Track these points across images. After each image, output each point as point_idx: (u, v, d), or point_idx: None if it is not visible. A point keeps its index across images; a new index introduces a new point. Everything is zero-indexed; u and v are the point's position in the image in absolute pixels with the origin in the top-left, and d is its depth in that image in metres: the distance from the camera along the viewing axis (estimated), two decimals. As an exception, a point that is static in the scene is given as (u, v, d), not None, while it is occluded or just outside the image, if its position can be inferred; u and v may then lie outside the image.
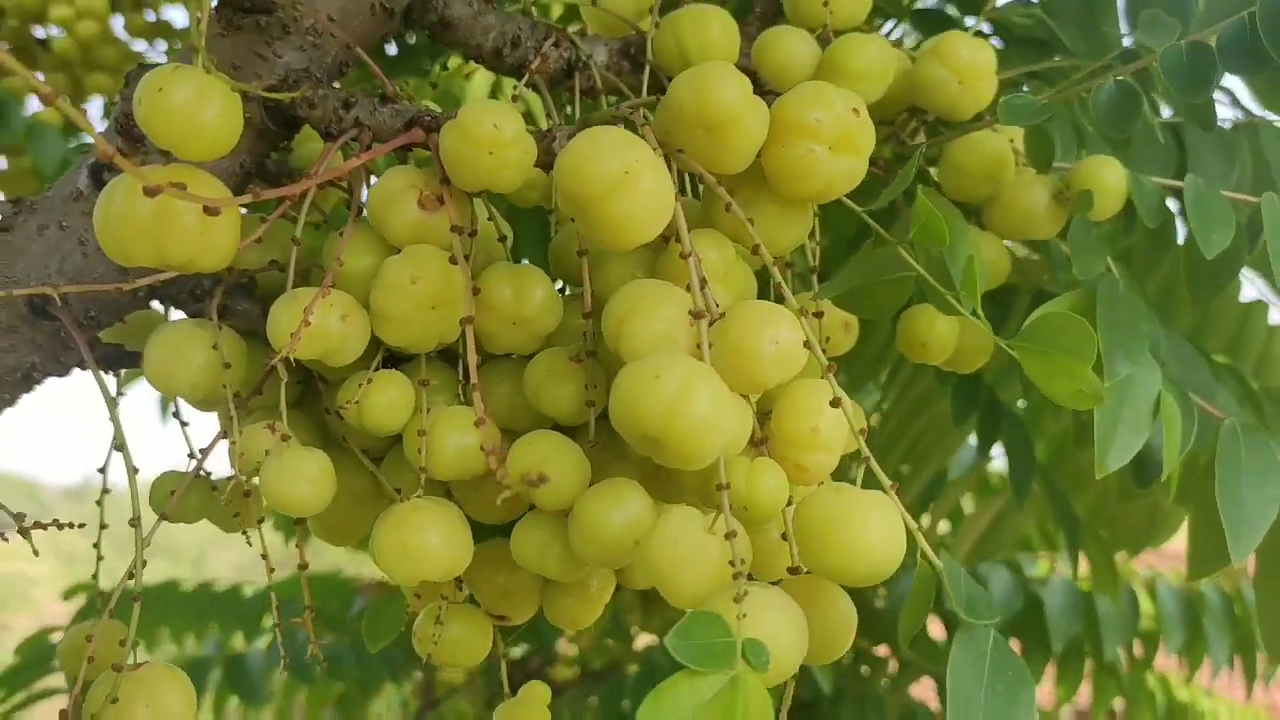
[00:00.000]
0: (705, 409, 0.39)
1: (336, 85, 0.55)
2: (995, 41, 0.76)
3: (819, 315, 0.55)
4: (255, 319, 0.54)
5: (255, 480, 0.51)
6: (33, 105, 1.56)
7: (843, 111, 0.46)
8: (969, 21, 0.75)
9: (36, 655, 1.50)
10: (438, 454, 0.48)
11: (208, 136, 0.41)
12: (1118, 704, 1.63)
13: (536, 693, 0.56)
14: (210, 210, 0.40)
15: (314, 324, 0.45)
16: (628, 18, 0.63)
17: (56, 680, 1.54)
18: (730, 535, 0.40)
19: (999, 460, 0.94)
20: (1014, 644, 1.53)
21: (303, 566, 0.60)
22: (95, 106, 1.67)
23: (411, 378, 0.50)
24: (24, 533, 0.46)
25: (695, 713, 0.35)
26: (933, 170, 0.63)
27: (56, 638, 1.49)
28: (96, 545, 0.58)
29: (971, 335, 0.59)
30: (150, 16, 1.61)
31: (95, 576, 0.60)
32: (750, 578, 0.41)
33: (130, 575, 0.50)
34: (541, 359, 0.50)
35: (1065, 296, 0.55)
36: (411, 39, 0.96)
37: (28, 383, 0.53)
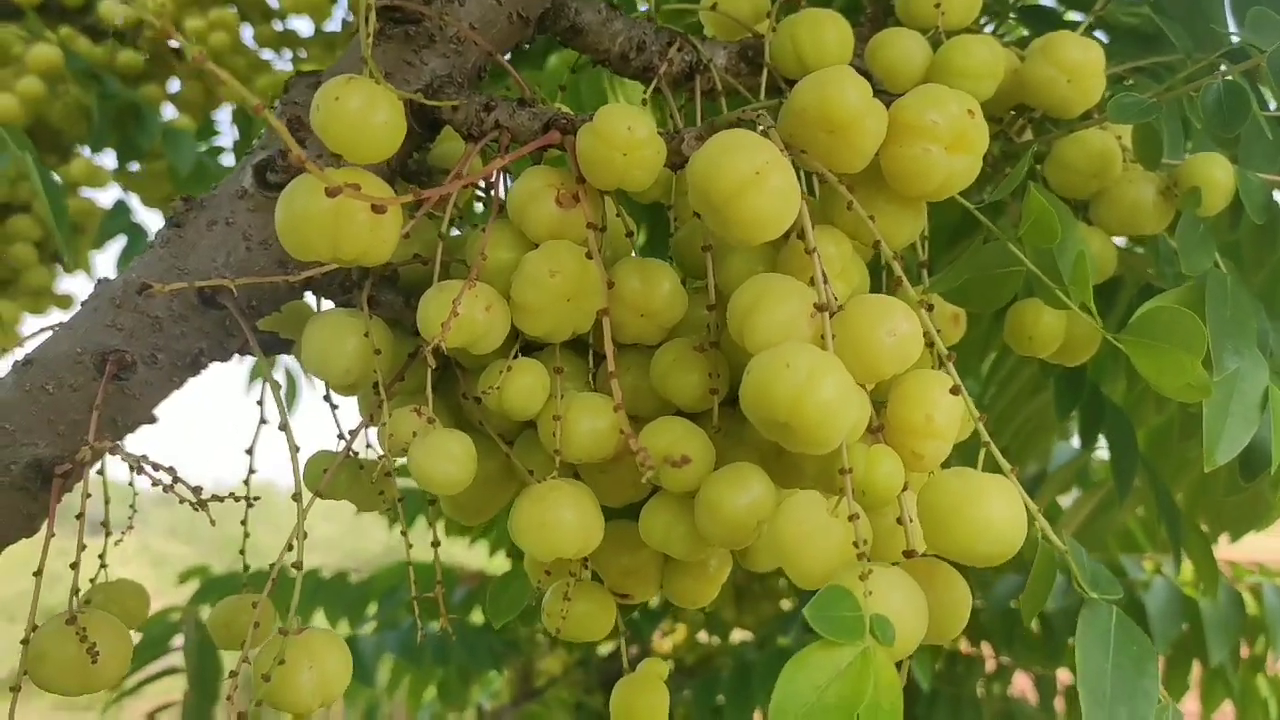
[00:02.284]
0: (832, 395, 0.42)
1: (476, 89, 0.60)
2: (1101, 36, 0.77)
3: (929, 308, 0.57)
4: (399, 309, 0.59)
5: (401, 460, 0.55)
6: (168, 112, 1.65)
7: (958, 112, 0.49)
8: (1076, 17, 0.76)
9: (157, 634, 1.57)
10: (571, 437, 0.52)
11: (376, 140, 0.45)
12: (1227, 708, 1.60)
13: (655, 669, 0.60)
14: (378, 209, 0.44)
15: (461, 314, 0.49)
16: (745, 21, 0.66)
17: (175, 659, 1.60)
18: (854, 517, 0.43)
19: (1102, 451, 0.94)
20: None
21: (435, 544, 0.65)
22: (224, 114, 1.76)
23: (546, 365, 0.54)
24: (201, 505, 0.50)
25: (831, 682, 0.38)
26: (1039, 167, 0.65)
27: (175, 618, 1.55)
28: (243, 541, 0.63)
29: (1078, 328, 0.60)
30: (278, 26, 1.68)
31: (243, 553, 0.65)
32: (869, 559, 0.44)
33: (290, 547, 0.54)
34: (668, 348, 0.53)
35: (1173, 291, 0.57)
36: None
37: (195, 367, 0.59)
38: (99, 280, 0.59)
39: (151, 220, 1.97)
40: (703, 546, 0.51)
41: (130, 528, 0.68)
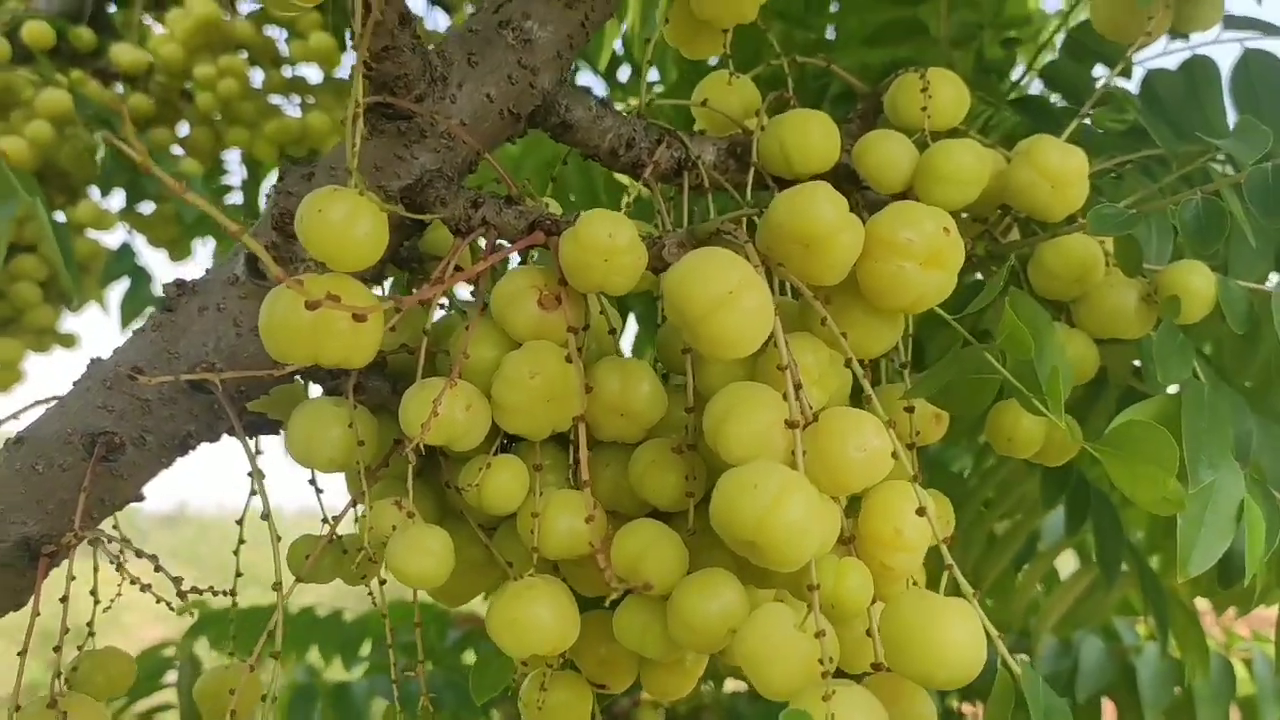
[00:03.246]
0: (798, 516, 0.42)
1: (464, 184, 0.61)
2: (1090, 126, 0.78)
3: (910, 410, 0.58)
4: (385, 395, 0.60)
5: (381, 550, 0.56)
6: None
7: (933, 230, 0.50)
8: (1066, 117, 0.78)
9: (151, 669, 1.57)
10: (548, 535, 0.52)
11: (358, 250, 0.46)
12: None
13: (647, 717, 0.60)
14: (359, 318, 0.45)
15: (442, 414, 0.50)
16: (735, 117, 0.67)
17: (168, 696, 1.60)
18: (820, 634, 0.43)
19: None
20: (1108, 706, 1.51)
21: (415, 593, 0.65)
22: (233, 157, 1.78)
23: (526, 460, 0.54)
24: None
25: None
26: (1021, 271, 0.66)
27: (169, 653, 1.55)
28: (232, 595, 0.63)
29: (1058, 433, 0.61)
30: (287, 73, 1.70)
31: (233, 593, 0.65)
32: (838, 672, 0.44)
33: (270, 635, 0.55)
34: (646, 449, 0.54)
35: (1150, 401, 0.57)
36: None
37: (184, 448, 0.59)
38: (91, 360, 0.60)
39: (156, 262, 1.99)
40: (677, 649, 0.52)
41: (109, 606, 0.68)
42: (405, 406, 0.51)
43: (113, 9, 1.70)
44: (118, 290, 1.67)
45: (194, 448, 0.60)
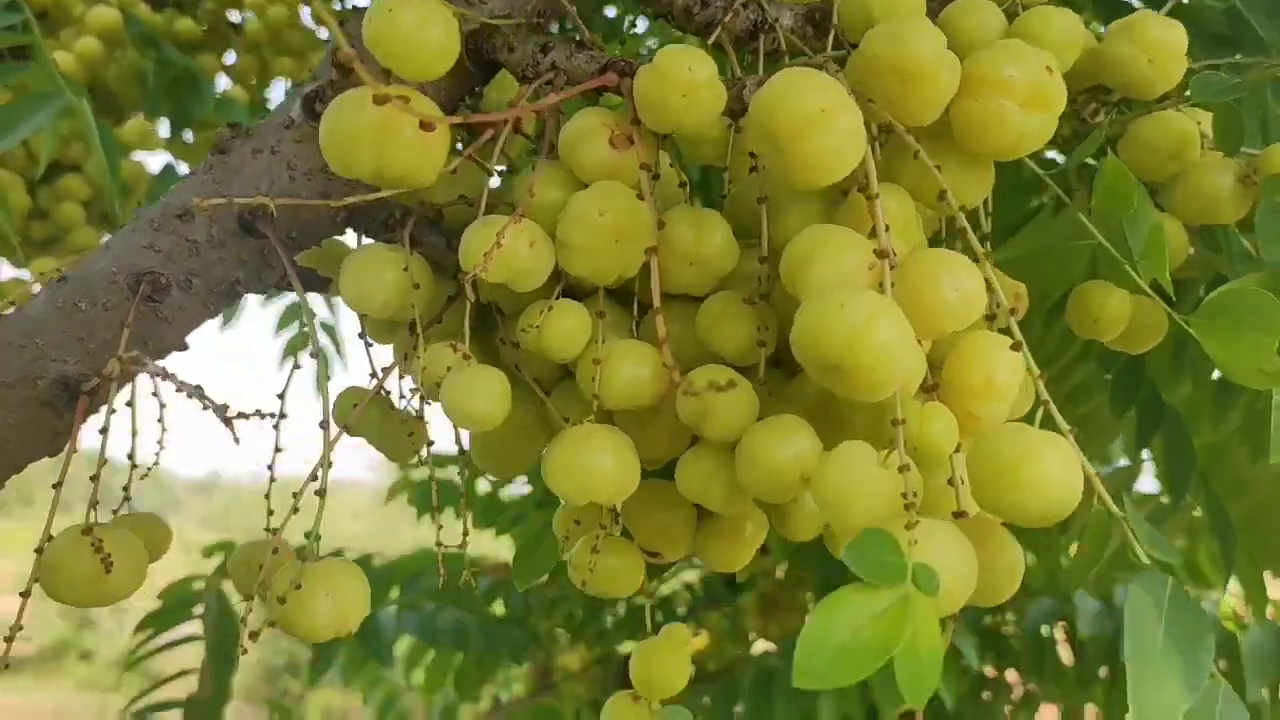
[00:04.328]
0: (888, 337, 0.40)
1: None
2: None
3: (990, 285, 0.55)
4: (441, 252, 0.57)
5: (433, 400, 0.54)
6: (222, 83, 1.65)
7: (1036, 68, 0.47)
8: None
9: (179, 601, 1.57)
10: (611, 383, 0.50)
11: (429, 55, 0.44)
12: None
13: (680, 635, 0.58)
14: (426, 126, 0.42)
15: (505, 247, 0.48)
16: (813, -15, 0.64)
17: (194, 627, 1.59)
18: (904, 468, 0.40)
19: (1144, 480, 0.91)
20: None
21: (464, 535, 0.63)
22: (278, 90, 1.77)
23: (589, 309, 0.52)
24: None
25: (868, 622, 0.36)
26: (1112, 149, 0.62)
27: (198, 586, 1.55)
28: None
29: (1145, 313, 0.58)
30: (336, 6, 1.68)
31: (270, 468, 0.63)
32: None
33: (314, 477, 0.52)
34: (716, 299, 0.51)
35: (1250, 277, 0.54)
36: None
37: (231, 295, 0.57)
38: (139, 206, 0.58)
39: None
40: (740, 500, 0.49)
41: (148, 471, 0.67)
42: (467, 237, 0.49)
43: (166, -69, 1.68)
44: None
45: (240, 296, 0.58)
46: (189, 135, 1.64)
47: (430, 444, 0.58)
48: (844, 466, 0.41)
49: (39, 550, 0.51)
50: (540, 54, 0.54)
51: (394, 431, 0.57)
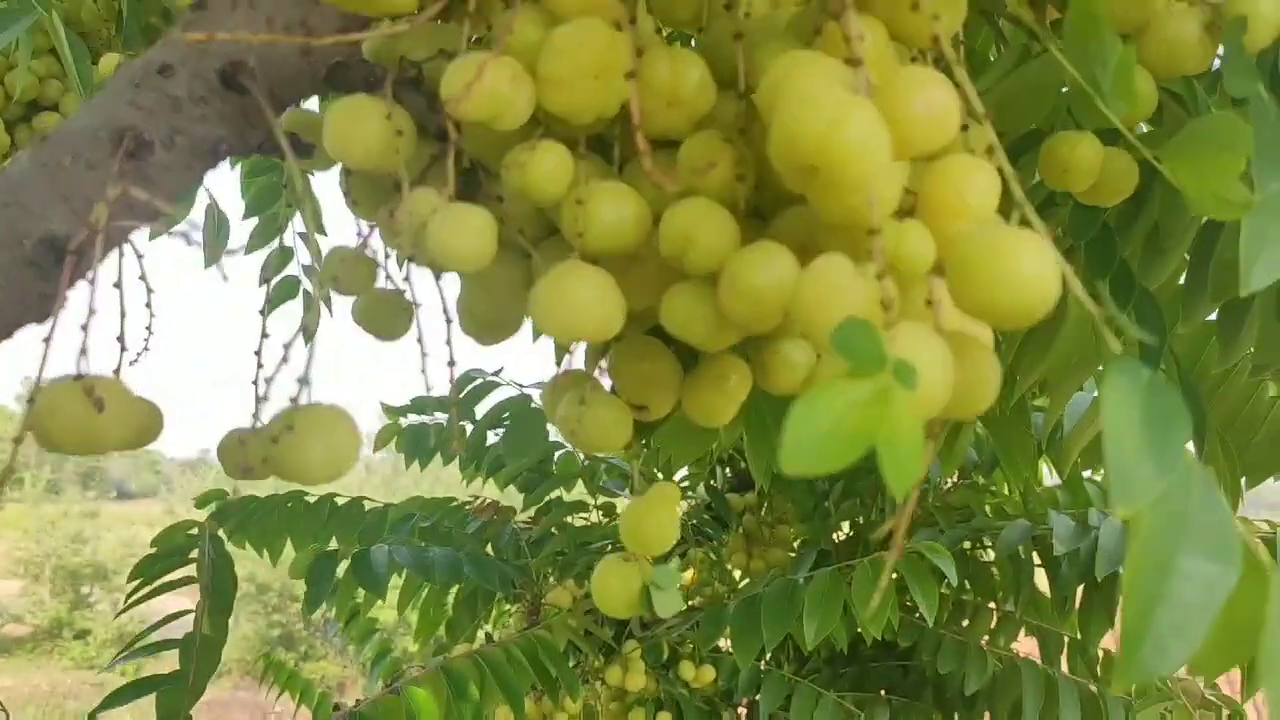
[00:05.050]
0: (862, 130, 0.40)
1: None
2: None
3: (964, 128, 0.56)
4: (422, 112, 0.58)
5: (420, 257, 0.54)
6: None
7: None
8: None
9: (175, 545, 1.57)
10: (594, 223, 0.51)
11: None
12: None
13: (667, 492, 0.59)
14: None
15: (485, 81, 0.48)
16: None
17: (189, 570, 1.60)
18: (881, 275, 0.41)
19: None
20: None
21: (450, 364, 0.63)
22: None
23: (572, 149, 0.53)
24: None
25: (849, 410, 0.37)
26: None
27: (193, 531, 1.55)
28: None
29: (1116, 161, 0.59)
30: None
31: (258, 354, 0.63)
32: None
33: (307, 327, 0.53)
34: (694, 138, 0.52)
35: (1215, 114, 0.55)
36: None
37: (214, 156, 0.58)
38: (119, 63, 0.58)
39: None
40: (723, 332, 0.50)
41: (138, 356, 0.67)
42: (448, 75, 0.49)
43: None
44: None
45: (224, 156, 0.58)
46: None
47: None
48: (821, 276, 0.41)
49: (30, 400, 0.51)
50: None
51: (381, 301, 0.58)
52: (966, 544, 1.74)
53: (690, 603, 1.92)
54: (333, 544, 1.94)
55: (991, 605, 1.75)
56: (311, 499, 1.93)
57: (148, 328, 0.69)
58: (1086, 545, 1.47)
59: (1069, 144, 0.59)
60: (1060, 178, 0.60)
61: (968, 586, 1.73)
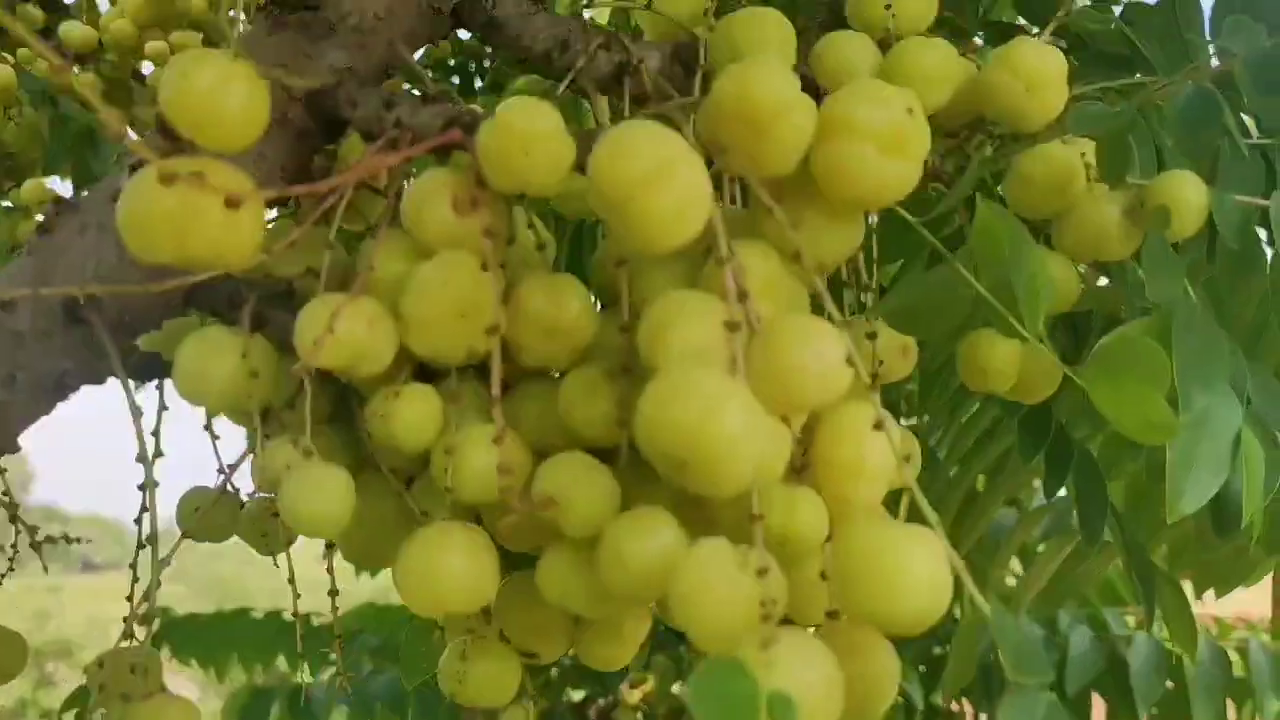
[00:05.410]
0: (735, 426, 0.36)
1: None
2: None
3: (872, 336, 0.52)
4: (290, 329, 0.53)
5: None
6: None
7: (896, 110, 0.44)
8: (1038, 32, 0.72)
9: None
10: (463, 473, 0.46)
11: (231, 123, 0.40)
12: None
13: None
14: (231, 202, 0.38)
15: (340, 331, 0.44)
16: (682, 21, 0.61)
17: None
18: (763, 572, 0.37)
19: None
20: (1099, 704, 1.44)
21: (333, 593, 0.59)
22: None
23: (441, 393, 0.48)
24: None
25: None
26: (996, 188, 0.60)
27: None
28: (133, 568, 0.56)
29: (1037, 362, 0.55)
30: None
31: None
32: (787, 620, 0.38)
33: (145, 599, 0.48)
34: (575, 374, 0.47)
35: (1138, 321, 0.51)
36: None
37: (61, 390, 0.53)
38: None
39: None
40: (607, 602, 0.45)
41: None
42: (300, 323, 0.45)
43: (61, -15, 1.64)
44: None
45: (74, 389, 0.53)
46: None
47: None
48: (696, 571, 0.37)
49: None
50: (385, 109, 0.51)
51: (249, 532, 0.53)
52: (937, 649, 1.68)
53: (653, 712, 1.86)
54: (281, 662, 1.87)
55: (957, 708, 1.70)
56: (258, 615, 1.87)
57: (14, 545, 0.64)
58: (1055, 658, 1.42)
59: (986, 344, 0.55)
60: (980, 379, 0.56)
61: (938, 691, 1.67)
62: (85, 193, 0.54)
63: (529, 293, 0.47)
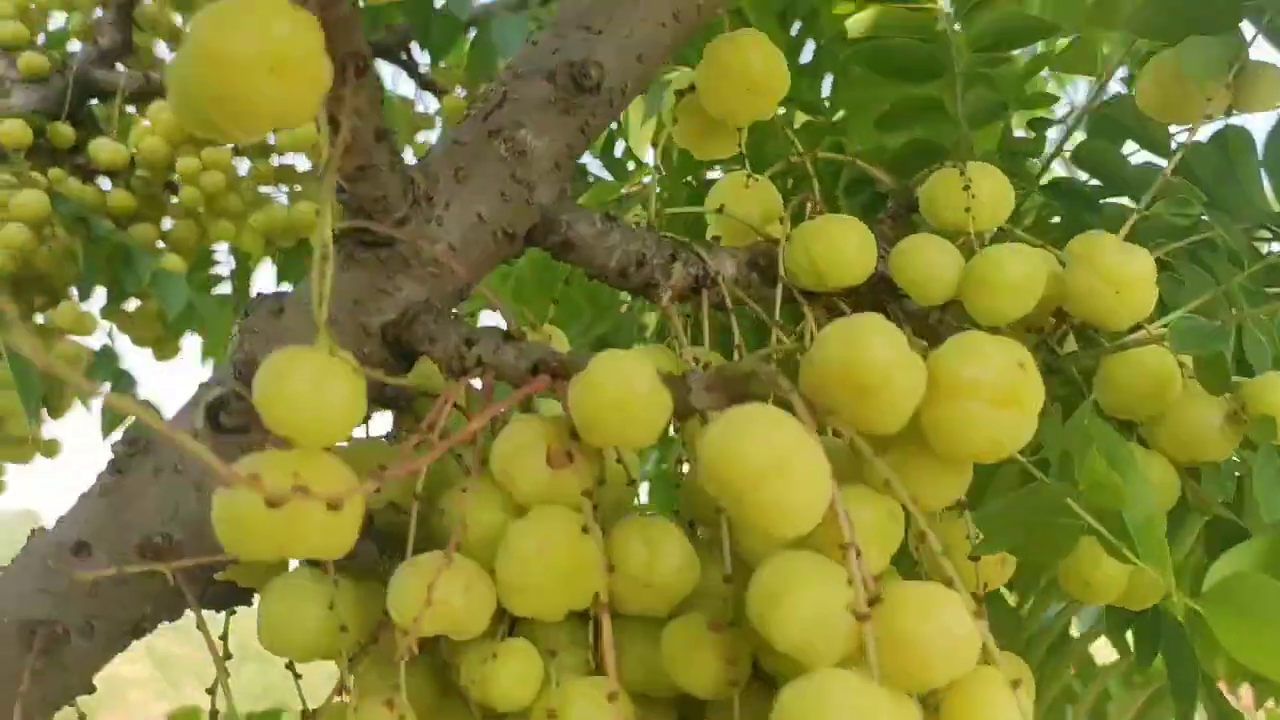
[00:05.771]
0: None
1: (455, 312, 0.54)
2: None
3: (976, 559, 0.51)
4: (372, 559, 0.52)
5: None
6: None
7: (1006, 367, 0.42)
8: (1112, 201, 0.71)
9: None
10: (570, 734, 0.44)
11: (330, 424, 0.39)
12: None
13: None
14: (334, 506, 0.37)
15: (437, 600, 0.42)
16: (755, 224, 0.60)
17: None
18: None
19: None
20: None
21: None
22: (221, 251, 1.72)
23: (539, 644, 0.47)
24: None
25: None
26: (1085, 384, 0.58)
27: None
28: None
29: (1144, 576, 0.53)
30: (275, 161, 1.65)
31: None
32: None
33: None
34: (678, 627, 0.46)
35: (1254, 543, 0.49)
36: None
37: (137, 633, 0.52)
38: (33, 531, 0.52)
39: (139, 362, 1.92)
40: None
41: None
42: (394, 592, 0.44)
43: (93, 102, 1.65)
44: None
45: (150, 630, 0.52)
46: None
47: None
48: None
49: None
50: (465, 346, 0.50)
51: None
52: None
53: None
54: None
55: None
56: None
57: None
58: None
59: (1090, 559, 0.53)
60: (1081, 591, 0.54)
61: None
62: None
63: (625, 544, 0.46)
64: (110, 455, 0.52)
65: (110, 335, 1.56)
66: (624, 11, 0.53)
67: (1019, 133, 0.84)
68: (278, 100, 0.33)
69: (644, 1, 0.53)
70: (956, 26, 0.81)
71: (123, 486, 0.51)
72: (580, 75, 0.52)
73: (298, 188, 1.67)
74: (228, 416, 0.50)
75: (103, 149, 1.53)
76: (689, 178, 1.04)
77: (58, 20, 1.69)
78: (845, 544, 0.39)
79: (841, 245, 0.55)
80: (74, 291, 1.54)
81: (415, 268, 0.51)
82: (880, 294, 0.59)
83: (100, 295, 1.56)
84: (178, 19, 1.73)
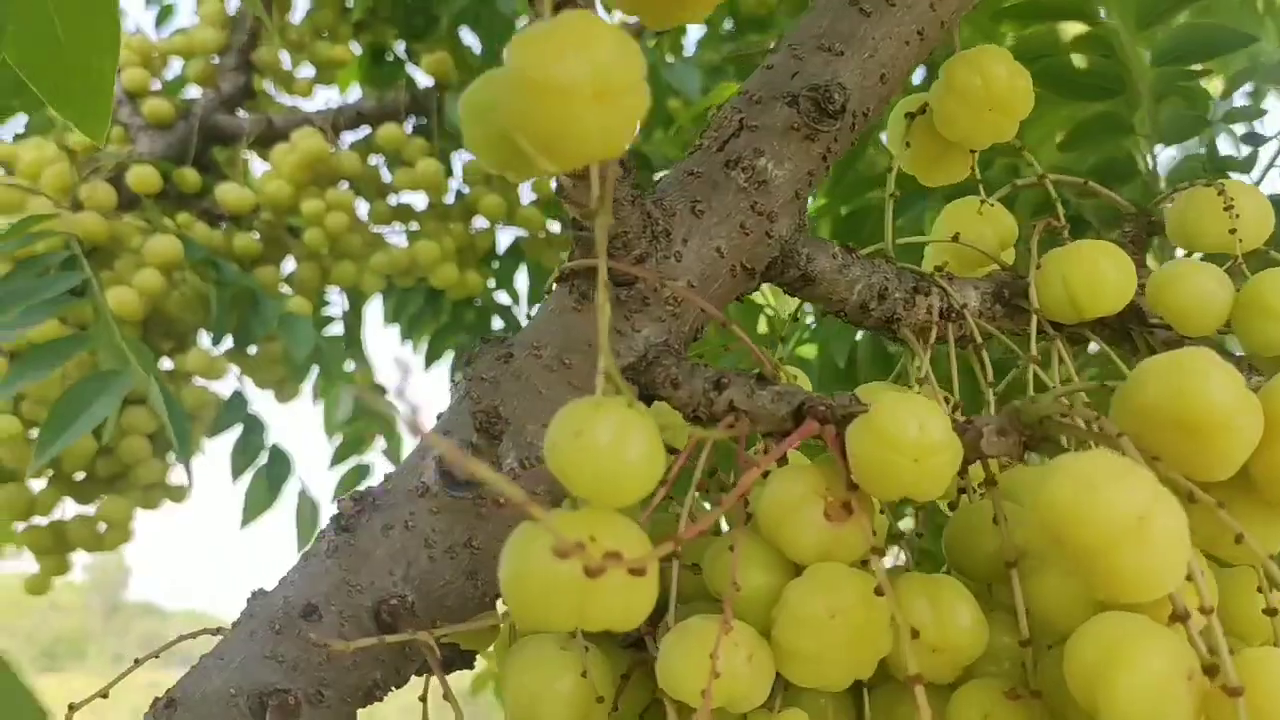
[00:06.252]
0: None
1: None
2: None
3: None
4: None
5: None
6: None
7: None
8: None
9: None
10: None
11: (632, 481, 0.35)
12: None
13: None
14: (637, 571, 0.34)
15: (720, 669, 0.39)
16: (991, 252, 0.56)
17: None
18: None
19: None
20: None
21: None
22: (332, 290, 1.72)
23: (811, 713, 0.43)
24: None
25: None
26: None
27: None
28: None
29: None
30: (392, 201, 1.65)
31: None
32: None
33: None
34: (971, 695, 0.41)
35: None
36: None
37: (368, 700, 0.49)
38: (253, 594, 0.50)
39: (266, 407, 1.93)
40: None
41: None
42: (671, 663, 0.40)
43: (217, 147, 1.66)
44: (224, 438, 1.58)
45: (380, 698, 0.49)
46: (252, 348, 1.59)
47: None
48: None
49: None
50: (714, 390, 0.46)
51: None
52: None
53: None
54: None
55: None
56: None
57: None
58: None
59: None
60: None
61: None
62: (383, 482, 0.50)
63: (909, 604, 0.42)
64: (334, 511, 0.50)
65: (240, 379, 1.56)
66: (866, 30, 0.50)
67: (1225, 149, 0.79)
68: (600, 129, 0.30)
69: (887, 19, 0.50)
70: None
71: (351, 546, 0.48)
72: (824, 99, 0.48)
73: (415, 226, 1.67)
74: (460, 472, 0.47)
75: (230, 193, 1.54)
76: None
77: (174, 67, 1.71)
78: (1204, 609, 0.35)
79: (1102, 272, 0.50)
80: (202, 335, 1.55)
81: (654, 307, 0.48)
82: (1129, 323, 0.55)
83: (225, 339, 1.56)
84: (286, 61, 1.74)
